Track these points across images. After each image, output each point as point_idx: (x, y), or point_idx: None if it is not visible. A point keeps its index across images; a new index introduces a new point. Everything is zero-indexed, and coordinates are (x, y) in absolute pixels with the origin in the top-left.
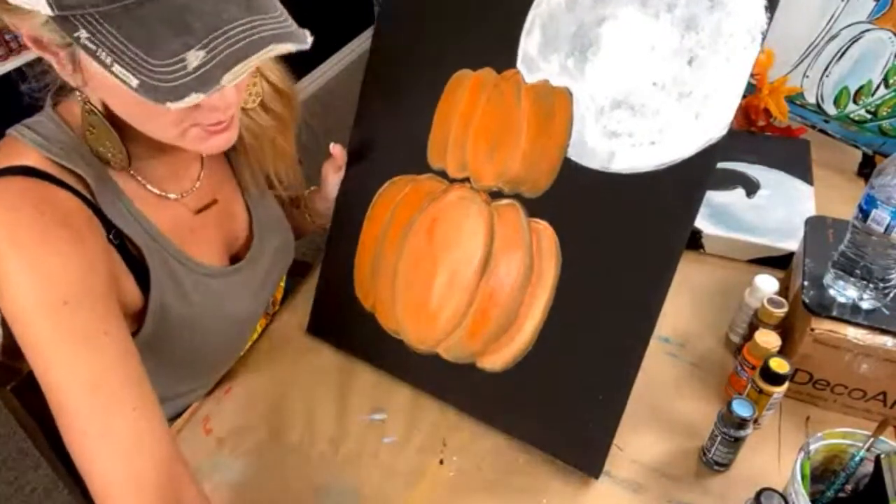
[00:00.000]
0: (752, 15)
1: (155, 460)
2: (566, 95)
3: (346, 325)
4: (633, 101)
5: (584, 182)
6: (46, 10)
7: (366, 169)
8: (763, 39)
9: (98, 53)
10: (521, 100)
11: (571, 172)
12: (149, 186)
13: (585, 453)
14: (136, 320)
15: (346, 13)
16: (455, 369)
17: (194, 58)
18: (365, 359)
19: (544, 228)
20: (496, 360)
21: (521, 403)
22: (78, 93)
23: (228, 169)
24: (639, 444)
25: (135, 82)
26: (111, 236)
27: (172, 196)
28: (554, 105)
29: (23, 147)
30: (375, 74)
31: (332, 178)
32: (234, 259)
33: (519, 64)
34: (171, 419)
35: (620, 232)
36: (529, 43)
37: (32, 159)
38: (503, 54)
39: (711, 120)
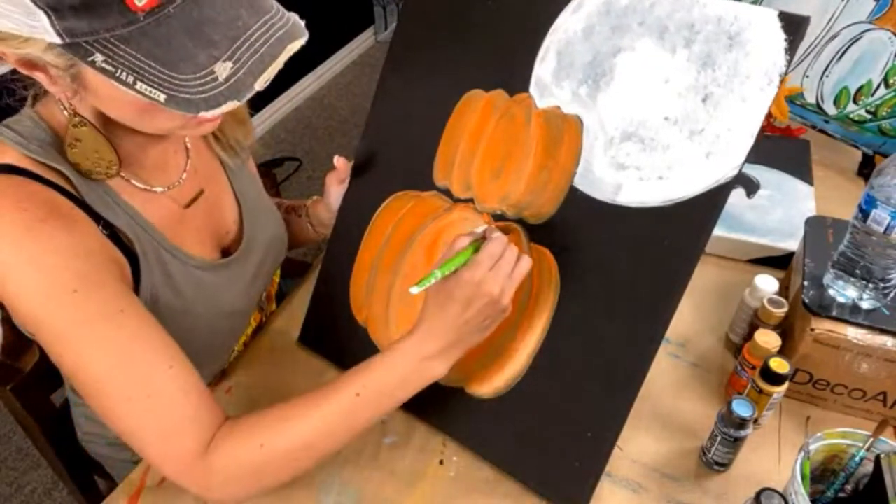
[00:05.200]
0: (770, 56)
1: (201, 401)
2: (576, 123)
3: (337, 337)
4: (643, 134)
5: (589, 212)
6: (54, 39)
7: (370, 181)
8: (780, 82)
9: (118, 74)
10: (530, 124)
11: (577, 201)
12: (134, 181)
13: (569, 490)
14: None
15: (346, 13)
16: (444, 393)
17: (223, 69)
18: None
19: (545, 255)
20: (487, 386)
21: (507, 432)
22: (61, 105)
23: (215, 159)
24: (639, 444)
25: (162, 97)
26: (101, 226)
27: (159, 189)
28: (563, 132)
29: (1, 146)
30: (388, 87)
31: (335, 189)
32: (226, 251)
33: (532, 88)
34: None
35: (622, 266)
36: (543, 68)
37: (11, 157)
38: (516, 77)
39: (722, 159)
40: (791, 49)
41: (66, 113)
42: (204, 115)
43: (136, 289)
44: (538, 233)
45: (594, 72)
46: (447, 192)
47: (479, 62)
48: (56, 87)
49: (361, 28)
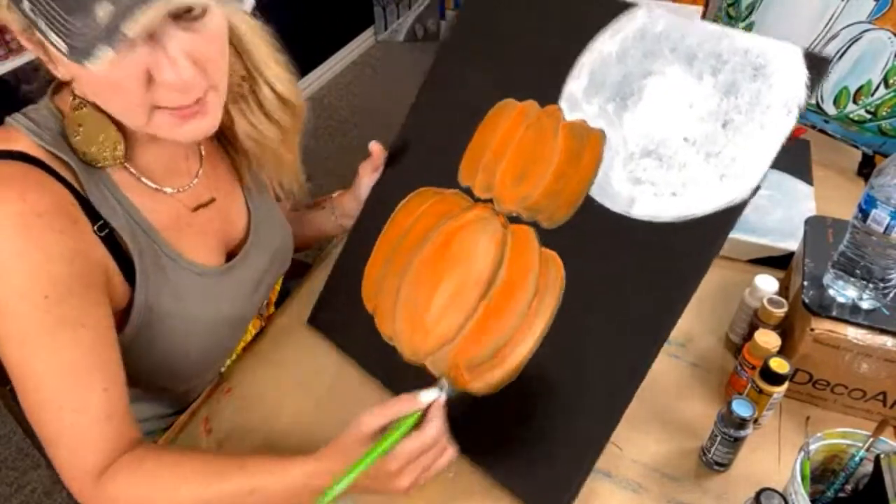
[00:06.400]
0: (792, 89)
1: (121, 426)
2: (600, 137)
3: (345, 322)
4: (662, 152)
5: (601, 221)
6: None
7: (398, 174)
8: (799, 114)
9: (38, 24)
10: (557, 135)
11: (591, 210)
12: (143, 179)
13: (546, 496)
14: (123, 316)
15: (346, 13)
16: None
17: (101, 10)
18: (355, 358)
19: (553, 259)
20: (479, 381)
21: (492, 432)
22: (73, 89)
23: (230, 168)
24: (639, 444)
25: (65, 48)
26: (97, 227)
27: (168, 190)
28: (586, 144)
29: (15, 133)
30: (431, 85)
31: (368, 178)
32: (231, 258)
33: (562, 101)
34: (161, 418)
35: (628, 277)
36: (575, 84)
37: (23, 145)
38: (549, 90)
39: (736, 182)
40: (812, 85)
41: (71, 101)
42: (88, 66)
43: (132, 292)
44: (550, 237)
45: (623, 91)
46: (469, 192)
47: (517, 74)
48: (50, 66)
49: (361, 28)
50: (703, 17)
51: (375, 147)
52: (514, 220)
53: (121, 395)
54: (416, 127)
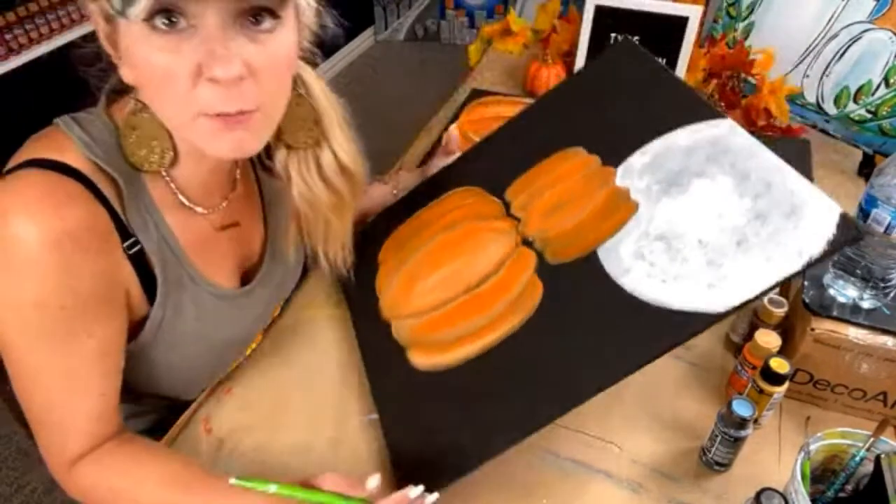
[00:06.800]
0: (813, 239)
1: (108, 425)
2: (632, 209)
3: (356, 270)
4: (674, 242)
5: (593, 276)
6: None
7: (464, 166)
8: (808, 266)
9: None
10: (600, 193)
11: (590, 263)
12: (179, 196)
13: (425, 472)
14: (136, 327)
15: (346, 13)
16: (392, 349)
17: None
18: (344, 294)
19: (537, 288)
20: (426, 359)
21: (412, 409)
22: (132, 91)
23: (257, 198)
24: (639, 444)
25: (118, 3)
26: (127, 245)
27: (200, 210)
28: (618, 210)
29: (66, 142)
30: (531, 111)
31: (439, 160)
32: (244, 281)
33: (620, 167)
34: (159, 425)
35: (587, 333)
36: (638, 159)
37: (73, 158)
38: (615, 155)
39: (716, 296)
40: (833, 243)
41: (130, 105)
42: (129, 14)
43: (149, 307)
44: (546, 269)
45: (674, 180)
46: (507, 205)
47: (599, 132)
48: (119, 64)
49: (361, 28)
50: (703, 17)
51: (454, 133)
52: (527, 242)
53: (114, 399)
54: (500, 136)
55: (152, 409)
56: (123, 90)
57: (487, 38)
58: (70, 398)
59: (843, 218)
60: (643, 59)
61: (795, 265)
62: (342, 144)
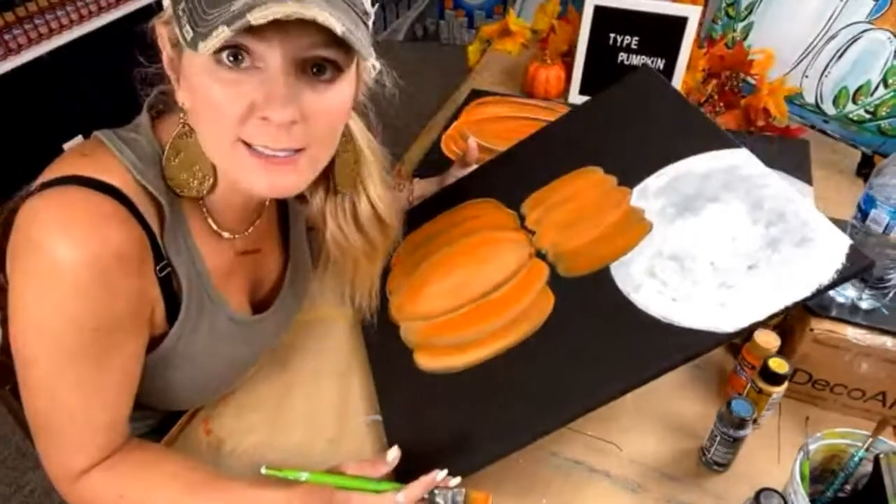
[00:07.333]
0: (822, 270)
1: (116, 437)
2: (646, 229)
3: None
4: (686, 263)
5: (604, 291)
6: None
7: (483, 177)
8: (814, 296)
9: (181, 20)
10: (615, 212)
11: (602, 278)
12: (210, 221)
13: (426, 472)
14: (152, 342)
15: None
16: (398, 351)
17: (238, 2)
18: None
19: (549, 299)
20: (431, 362)
21: (416, 409)
22: (180, 114)
23: (279, 224)
24: (639, 444)
25: (190, 33)
26: (159, 268)
27: (226, 235)
28: (632, 229)
29: (112, 161)
30: (554, 127)
31: (458, 170)
32: (256, 307)
33: (636, 188)
34: (159, 426)
35: (596, 345)
36: (654, 181)
37: (119, 179)
38: (632, 177)
39: (724, 317)
40: (842, 273)
41: (178, 127)
42: (201, 48)
43: (168, 326)
44: (558, 282)
45: (689, 204)
46: (522, 218)
47: (617, 153)
48: (177, 87)
49: None
50: (702, 17)
51: (472, 144)
52: (540, 255)
53: (128, 410)
54: (518, 152)
55: (151, 413)
56: (168, 109)
57: (486, 39)
58: (88, 413)
59: (853, 249)
60: (663, 86)
61: (805, 292)
62: (381, 196)
